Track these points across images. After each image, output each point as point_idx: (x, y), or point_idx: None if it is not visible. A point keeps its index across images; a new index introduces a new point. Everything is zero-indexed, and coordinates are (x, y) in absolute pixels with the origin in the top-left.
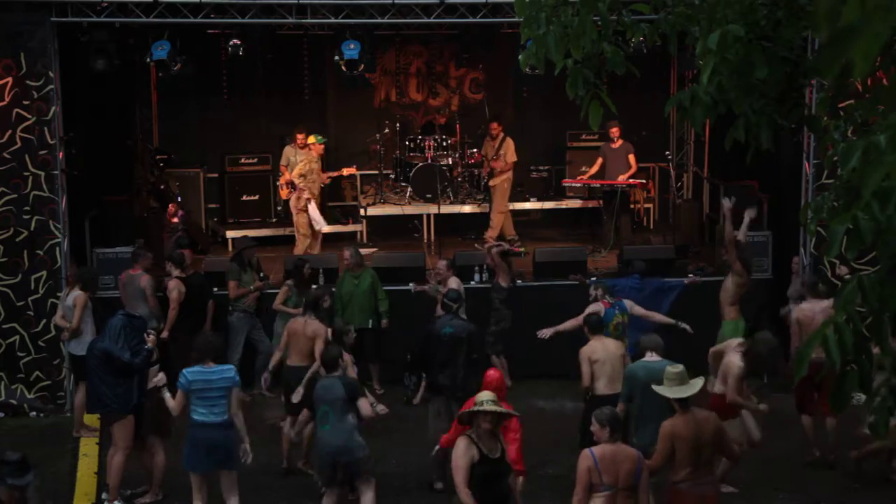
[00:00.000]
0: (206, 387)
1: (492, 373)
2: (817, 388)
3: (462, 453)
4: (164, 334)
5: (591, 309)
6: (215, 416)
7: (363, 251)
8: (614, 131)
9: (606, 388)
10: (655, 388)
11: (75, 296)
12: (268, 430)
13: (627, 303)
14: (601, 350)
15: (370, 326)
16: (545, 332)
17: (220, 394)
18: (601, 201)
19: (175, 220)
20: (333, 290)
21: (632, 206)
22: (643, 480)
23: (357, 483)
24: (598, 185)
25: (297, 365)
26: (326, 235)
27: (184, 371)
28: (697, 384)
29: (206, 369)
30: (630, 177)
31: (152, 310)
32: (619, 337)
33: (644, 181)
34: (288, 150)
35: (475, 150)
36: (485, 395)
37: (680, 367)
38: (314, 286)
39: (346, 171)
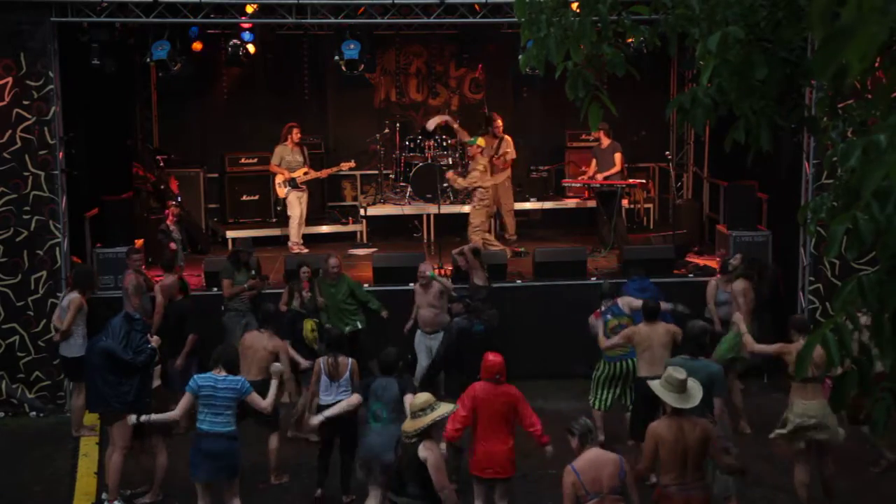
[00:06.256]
0: (212, 393)
1: (492, 357)
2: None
3: (441, 455)
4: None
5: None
6: (219, 426)
7: (364, 251)
8: (598, 133)
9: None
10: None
11: (70, 298)
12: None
13: (624, 301)
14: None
15: (359, 327)
16: None
17: (225, 403)
18: (597, 201)
19: (169, 221)
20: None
21: (631, 206)
22: (629, 480)
23: (374, 484)
24: (598, 185)
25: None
26: (326, 236)
27: (195, 376)
28: (696, 398)
29: (216, 377)
30: (608, 176)
31: (135, 309)
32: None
33: (644, 181)
34: (280, 150)
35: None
36: (427, 399)
37: (682, 376)
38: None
39: (344, 167)
